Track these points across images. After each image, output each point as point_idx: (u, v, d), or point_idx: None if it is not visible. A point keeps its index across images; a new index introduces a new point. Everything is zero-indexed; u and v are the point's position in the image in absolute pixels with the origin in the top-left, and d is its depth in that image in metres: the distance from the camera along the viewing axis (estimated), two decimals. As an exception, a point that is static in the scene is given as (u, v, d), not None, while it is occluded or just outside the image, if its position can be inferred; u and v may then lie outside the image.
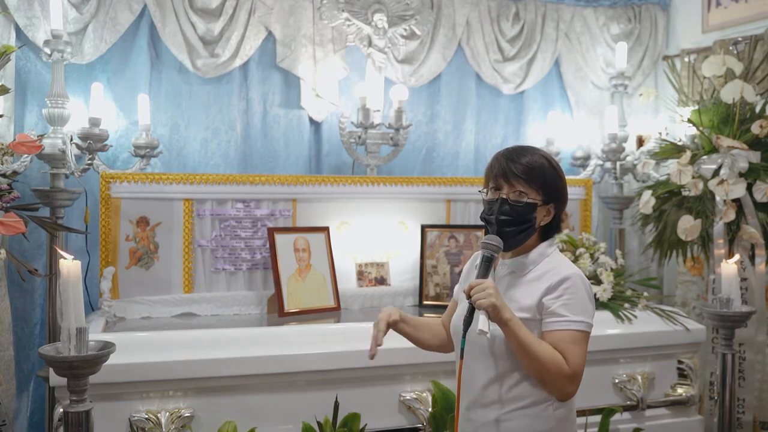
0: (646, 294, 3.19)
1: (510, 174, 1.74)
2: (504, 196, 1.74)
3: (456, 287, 1.99)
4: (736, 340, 2.83)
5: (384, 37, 3.38)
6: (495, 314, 1.62)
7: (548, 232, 1.81)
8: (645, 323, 3.00)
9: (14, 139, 2.56)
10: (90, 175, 2.97)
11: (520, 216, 1.73)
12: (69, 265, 1.78)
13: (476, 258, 1.91)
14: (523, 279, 1.77)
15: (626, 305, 3.08)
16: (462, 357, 1.68)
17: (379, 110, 3.37)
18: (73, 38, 3.06)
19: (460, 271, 3.13)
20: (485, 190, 1.81)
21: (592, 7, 4.02)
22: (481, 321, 1.62)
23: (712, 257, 3.29)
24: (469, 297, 1.65)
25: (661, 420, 3.01)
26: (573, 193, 3.52)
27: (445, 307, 3.12)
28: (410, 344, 2.58)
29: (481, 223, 2.72)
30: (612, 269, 3.14)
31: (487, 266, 1.70)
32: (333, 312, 3.01)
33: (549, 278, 1.72)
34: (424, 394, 2.64)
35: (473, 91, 3.85)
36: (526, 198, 1.73)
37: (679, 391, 3.06)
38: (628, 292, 3.19)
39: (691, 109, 3.50)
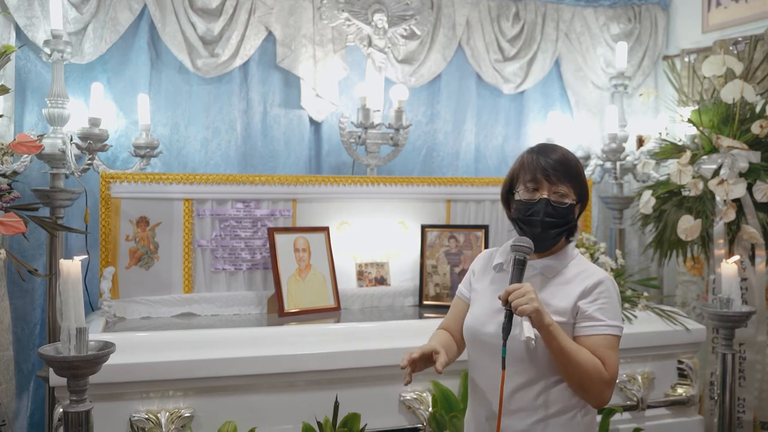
0: (646, 294, 3.19)
1: (552, 173, 1.69)
2: (545, 197, 1.70)
3: (460, 287, 1.92)
4: (736, 340, 2.83)
5: (384, 37, 3.38)
6: (537, 319, 1.57)
7: (572, 230, 1.79)
8: (645, 323, 3.00)
9: (14, 139, 2.56)
10: (90, 175, 2.97)
11: (563, 218, 1.70)
12: (69, 265, 1.78)
13: (490, 257, 1.86)
14: (552, 281, 1.73)
15: (626, 305, 3.08)
16: (504, 368, 1.59)
17: (379, 110, 3.37)
18: (73, 38, 3.06)
19: (461, 271, 3.15)
20: (512, 191, 1.76)
21: (592, 7, 4.02)
22: (527, 328, 1.56)
23: (712, 257, 3.29)
24: (506, 303, 1.59)
25: (661, 420, 3.01)
26: (573, 193, 3.52)
27: (445, 307, 3.14)
28: (410, 344, 2.59)
29: (480, 223, 2.71)
30: (612, 269, 3.14)
31: (521, 270, 1.65)
32: (333, 312, 3.01)
33: (582, 282, 1.70)
34: (424, 394, 2.64)
35: (473, 91, 3.85)
36: (568, 200, 1.71)
37: (679, 391, 3.06)
38: (628, 292, 3.19)
39: (691, 109, 3.50)
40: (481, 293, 1.82)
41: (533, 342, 1.56)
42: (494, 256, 1.85)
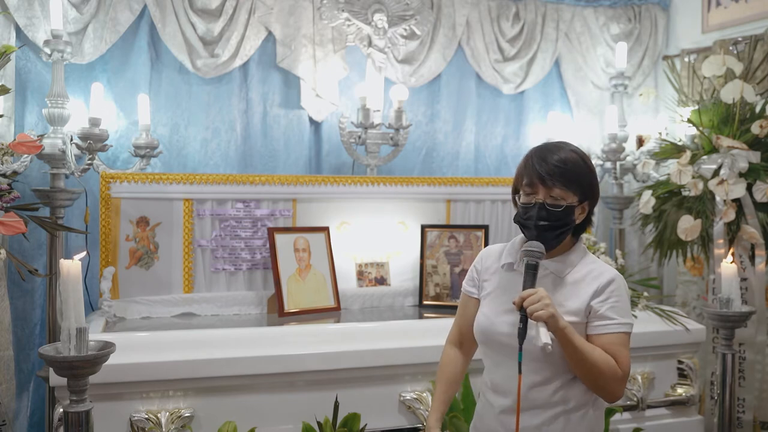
0: (646, 294, 3.19)
1: (546, 177, 1.69)
2: (541, 201, 1.70)
3: (466, 285, 1.91)
4: (736, 340, 2.82)
5: (384, 37, 3.38)
6: (553, 324, 1.60)
7: (581, 228, 1.79)
8: (645, 323, 3.00)
9: (14, 139, 2.56)
10: (90, 175, 2.97)
11: (558, 220, 1.70)
12: (69, 265, 1.78)
13: (498, 255, 1.85)
14: (564, 281, 1.74)
15: (626, 305, 3.07)
16: (520, 372, 1.62)
17: (379, 110, 3.37)
18: (73, 38, 3.06)
19: (461, 271, 3.15)
20: (518, 192, 1.77)
21: (592, 7, 4.02)
22: (543, 333, 1.59)
23: (712, 257, 3.29)
24: (521, 308, 1.61)
25: (661, 420, 3.01)
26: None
27: (445, 307, 3.15)
28: (410, 344, 2.61)
29: (480, 223, 2.72)
30: (612, 269, 3.13)
31: (533, 274, 1.66)
32: (333, 312, 3.01)
33: (594, 280, 1.71)
34: (424, 394, 2.64)
35: (473, 91, 3.85)
36: (564, 202, 1.70)
37: (679, 391, 3.06)
38: (628, 292, 3.18)
39: (691, 109, 3.50)
40: (491, 292, 1.82)
41: (550, 347, 1.58)
42: (502, 253, 1.84)
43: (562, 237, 1.74)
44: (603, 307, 1.69)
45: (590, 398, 1.73)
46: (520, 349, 1.60)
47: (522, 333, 1.60)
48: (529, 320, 1.60)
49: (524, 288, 1.64)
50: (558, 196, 1.69)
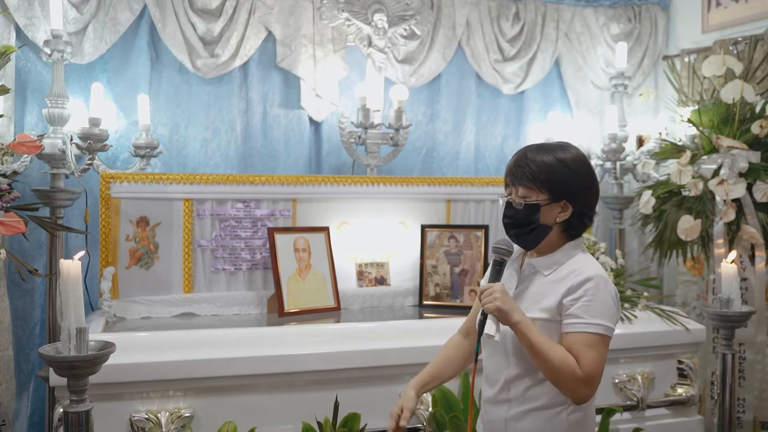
0: (646, 294, 3.19)
1: (513, 177, 1.76)
2: (509, 199, 1.77)
3: (481, 282, 1.98)
4: (736, 340, 2.83)
5: (384, 37, 3.38)
6: (503, 317, 1.66)
7: (572, 227, 1.76)
8: (645, 323, 3.00)
9: (14, 139, 2.56)
10: (90, 175, 2.97)
11: (523, 218, 1.73)
12: (69, 265, 1.78)
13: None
14: (546, 279, 1.75)
15: (626, 305, 3.08)
16: (476, 360, 1.72)
17: (379, 110, 3.37)
18: (73, 38, 3.06)
19: (461, 271, 3.16)
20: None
21: (592, 7, 4.02)
22: (488, 325, 1.66)
23: (712, 257, 3.29)
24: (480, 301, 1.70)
25: (661, 420, 3.01)
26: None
27: (445, 307, 3.15)
28: (410, 344, 2.61)
29: (480, 223, 2.72)
30: (612, 269, 3.14)
31: (497, 270, 1.74)
32: (333, 312, 3.01)
33: (571, 279, 1.71)
34: (424, 394, 2.64)
35: (473, 91, 3.85)
36: (525, 200, 1.73)
37: (679, 391, 3.06)
38: (628, 292, 3.19)
39: (691, 109, 3.50)
40: None
41: (494, 338, 1.66)
42: None
43: (536, 235, 1.74)
44: (574, 305, 1.68)
45: (566, 399, 1.71)
46: (478, 340, 1.70)
47: (481, 324, 1.69)
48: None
49: (488, 282, 1.74)
50: (523, 195, 1.74)
